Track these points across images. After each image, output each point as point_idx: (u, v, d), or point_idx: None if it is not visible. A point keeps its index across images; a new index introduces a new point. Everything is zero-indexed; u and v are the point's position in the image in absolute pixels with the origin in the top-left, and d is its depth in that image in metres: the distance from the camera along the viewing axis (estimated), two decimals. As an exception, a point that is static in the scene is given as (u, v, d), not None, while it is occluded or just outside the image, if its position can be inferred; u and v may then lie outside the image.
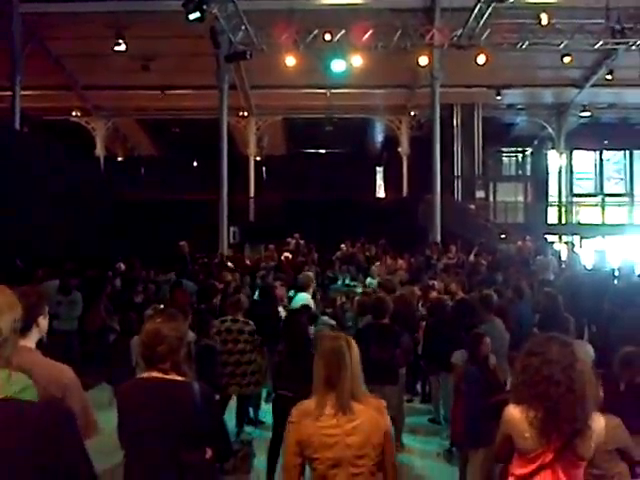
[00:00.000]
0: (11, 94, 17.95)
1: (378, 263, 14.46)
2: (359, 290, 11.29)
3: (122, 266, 13.08)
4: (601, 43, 16.54)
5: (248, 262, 15.68)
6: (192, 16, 12.52)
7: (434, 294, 9.08)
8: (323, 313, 8.88)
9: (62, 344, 8.68)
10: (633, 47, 16.68)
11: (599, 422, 2.73)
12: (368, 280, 12.21)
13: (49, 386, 2.69)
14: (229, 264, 14.23)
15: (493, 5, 14.53)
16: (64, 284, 9.55)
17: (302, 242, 17.97)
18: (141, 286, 11.27)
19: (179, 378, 3.02)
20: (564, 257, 17.91)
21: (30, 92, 19.11)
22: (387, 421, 3.06)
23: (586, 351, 5.02)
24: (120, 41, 17.67)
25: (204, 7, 12.60)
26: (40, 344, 3.02)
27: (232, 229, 19.47)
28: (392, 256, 15.38)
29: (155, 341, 2.97)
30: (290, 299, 9.06)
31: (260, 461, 5.89)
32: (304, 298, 8.29)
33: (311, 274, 9.84)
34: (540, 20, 15.68)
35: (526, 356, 2.78)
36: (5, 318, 1.77)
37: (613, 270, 11.34)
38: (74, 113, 24.68)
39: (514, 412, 2.76)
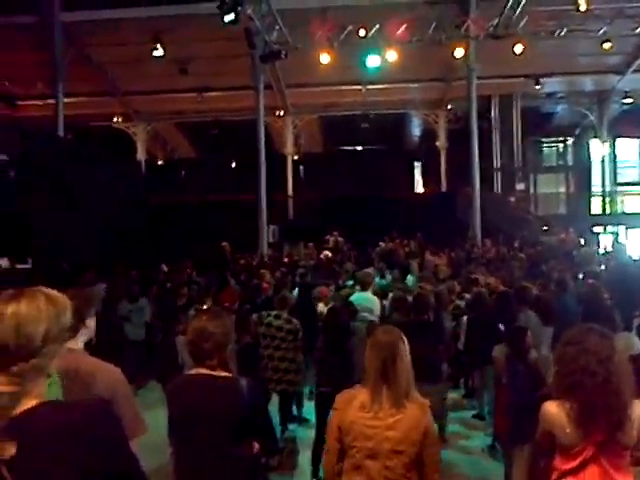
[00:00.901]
0: (55, 102, 18.43)
1: (418, 259, 14.36)
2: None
3: (165, 268, 13.31)
4: (642, 27, 16.14)
5: (286, 260, 15.75)
6: (227, 18, 12.64)
7: (476, 289, 8.98)
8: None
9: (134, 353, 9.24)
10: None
11: (639, 409, 2.69)
12: (408, 278, 12.07)
13: (96, 387, 2.77)
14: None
15: (529, -7, 14.30)
16: (130, 292, 9.93)
17: (341, 239, 17.98)
18: (185, 287, 11.43)
19: (226, 374, 3.12)
20: (609, 248, 17.55)
21: (73, 99, 19.61)
22: (429, 420, 3.07)
23: (629, 344, 4.91)
24: (158, 46, 18.01)
25: (239, 8, 12.70)
26: (89, 345, 3.12)
27: (271, 228, 19.61)
28: (432, 251, 15.28)
29: (202, 338, 3.05)
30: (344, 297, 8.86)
31: (304, 458, 5.94)
32: (365, 297, 7.99)
33: (371, 271, 9.58)
34: (578, 6, 15.35)
35: (563, 346, 2.77)
36: (39, 326, 1.76)
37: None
38: (116, 119, 25.20)
39: (551, 407, 2.74)
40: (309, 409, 7.21)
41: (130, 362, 8.74)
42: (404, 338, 3.16)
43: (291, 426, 7.44)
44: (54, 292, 1.82)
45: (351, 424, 2.99)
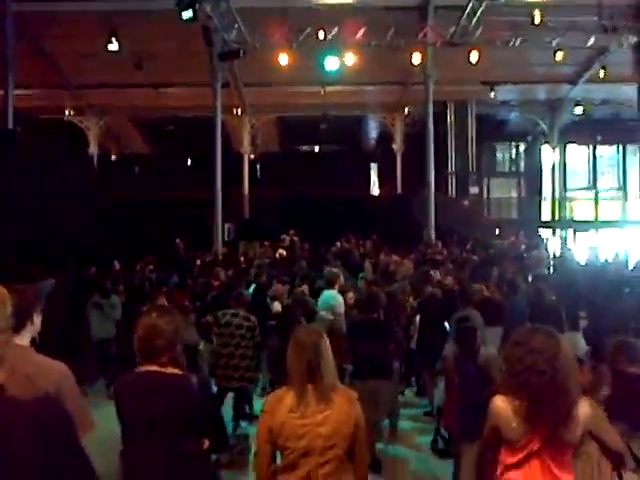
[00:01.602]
0: (4, 93, 17.91)
1: (372, 260, 14.49)
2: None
3: (117, 265, 13.08)
4: (593, 40, 16.63)
5: (241, 259, 15.71)
6: (185, 15, 12.52)
7: (428, 288, 9.11)
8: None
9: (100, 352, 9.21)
10: (625, 44, 16.76)
11: (584, 407, 2.78)
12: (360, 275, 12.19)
13: (42, 382, 2.72)
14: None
15: (485, 3, 14.60)
16: (102, 287, 9.74)
17: (297, 239, 18.01)
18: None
19: (177, 371, 3.09)
20: (558, 252, 18.04)
21: (23, 91, 19.09)
22: (357, 411, 3.13)
23: (574, 343, 5.06)
24: (113, 40, 17.65)
25: (197, 6, 12.59)
26: (34, 342, 3.05)
27: (227, 226, 19.49)
28: (387, 252, 15.42)
29: (152, 335, 3.02)
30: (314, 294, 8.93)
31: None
32: (332, 295, 8.21)
33: (337, 270, 9.67)
34: (533, 17, 15.75)
35: (511, 347, 2.84)
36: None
37: (606, 263, 11.44)
38: (67, 112, 24.63)
39: (500, 403, 2.82)
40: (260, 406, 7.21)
41: (92, 361, 8.64)
42: (325, 336, 3.22)
43: (243, 423, 7.42)
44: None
45: (282, 425, 3.02)
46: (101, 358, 9.22)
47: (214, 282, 10.29)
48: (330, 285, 8.52)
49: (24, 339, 2.95)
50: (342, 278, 9.25)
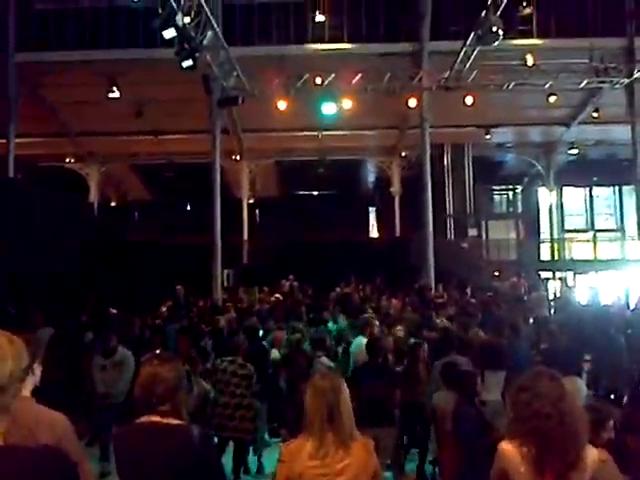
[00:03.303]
0: (5, 141, 18.11)
1: (373, 304, 14.39)
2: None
3: (113, 312, 12.97)
4: (586, 82, 16.89)
5: (239, 305, 15.57)
6: (185, 64, 12.69)
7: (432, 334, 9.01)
8: None
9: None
10: (617, 85, 17.04)
11: (592, 454, 2.73)
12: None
13: (42, 434, 2.67)
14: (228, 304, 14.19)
15: (479, 48, 14.86)
16: (105, 344, 7.97)
17: (296, 284, 17.94)
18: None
19: (178, 422, 2.99)
20: (558, 293, 17.96)
21: (25, 139, 19.30)
22: (375, 461, 3.08)
23: (577, 387, 4.99)
24: (114, 88, 17.95)
25: (196, 55, 12.80)
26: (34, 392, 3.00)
27: (226, 272, 19.45)
28: (387, 297, 15.35)
29: (153, 383, 2.96)
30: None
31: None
32: (361, 342, 8.05)
33: (369, 316, 9.53)
34: (526, 61, 16.06)
35: (516, 392, 2.81)
36: (6, 365, 1.74)
37: (606, 306, 11.39)
38: (68, 160, 24.87)
39: (507, 448, 2.77)
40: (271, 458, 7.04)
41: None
42: (343, 381, 3.17)
43: (245, 477, 7.24)
44: (8, 333, 1.81)
45: (300, 476, 2.95)
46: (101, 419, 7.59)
47: (205, 328, 10.17)
48: (362, 332, 8.45)
49: (25, 389, 2.90)
50: (377, 323, 9.11)
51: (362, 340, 8.09)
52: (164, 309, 13.39)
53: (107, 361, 7.78)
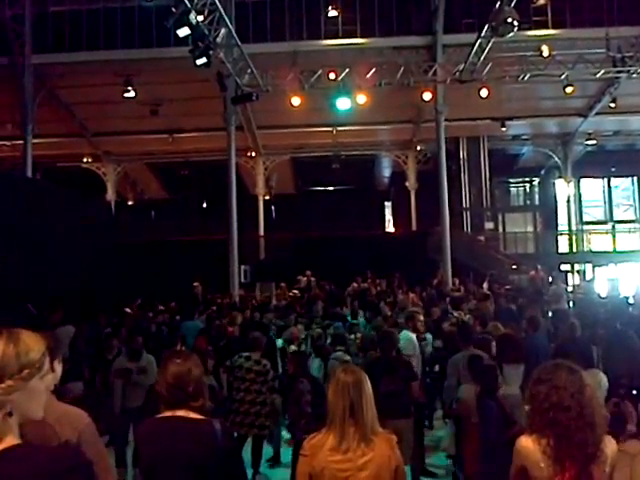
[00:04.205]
0: (23, 142, 18.32)
1: (389, 299, 14.36)
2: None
3: (129, 310, 13.03)
4: (602, 72, 16.68)
5: (254, 302, 15.61)
6: (199, 61, 12.76)
7: (446, 325, 9.00)
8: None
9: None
10: (634, 75, 16.82)
11: (611, 445, 2.72)
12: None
13: (64, 430, 2.70)
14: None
15: (493, 40, 14.74)
16: (131, 348, 7.48)
17: (313, 280, 17.96)
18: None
19: (201, 417, 3.01)
20: (577, 285, 17.83)
21: (42, 140, 19.52)
22: (398, 456, 3.07)
23: (597, 380, 4.95)
24: (129, 88, 18.10)
25: (210, 52, 12.84)
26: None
27: (243, 268, 19.52)
28: (404, 291, 15.33)
29: (185, 381, 2.97)
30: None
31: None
32: (408, 336, 7.89)
33: (414, 310, 9.28)
34: (541, 52, 15.90)
35: (534, 384, 2.79)
36: (11, 363, 1.76)
37: (627, 298, 11.27)
38: (85, 159, 25.09)
39: (526, 442, 2.75)
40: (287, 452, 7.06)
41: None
42: (366, 376, 3.16)
43: (262, 469, 7.29)
44: (22, 332, 1.83)
45: (322, 470, 2.96)
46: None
47: (229, 327, 10.19)
48: (407, 325, 8.27)
49: (46, 386, 2.93)
50: (421, 317, 8.79)
51: (408, 334, 7.94)
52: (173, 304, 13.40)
53: (132, 364, 7.29)
